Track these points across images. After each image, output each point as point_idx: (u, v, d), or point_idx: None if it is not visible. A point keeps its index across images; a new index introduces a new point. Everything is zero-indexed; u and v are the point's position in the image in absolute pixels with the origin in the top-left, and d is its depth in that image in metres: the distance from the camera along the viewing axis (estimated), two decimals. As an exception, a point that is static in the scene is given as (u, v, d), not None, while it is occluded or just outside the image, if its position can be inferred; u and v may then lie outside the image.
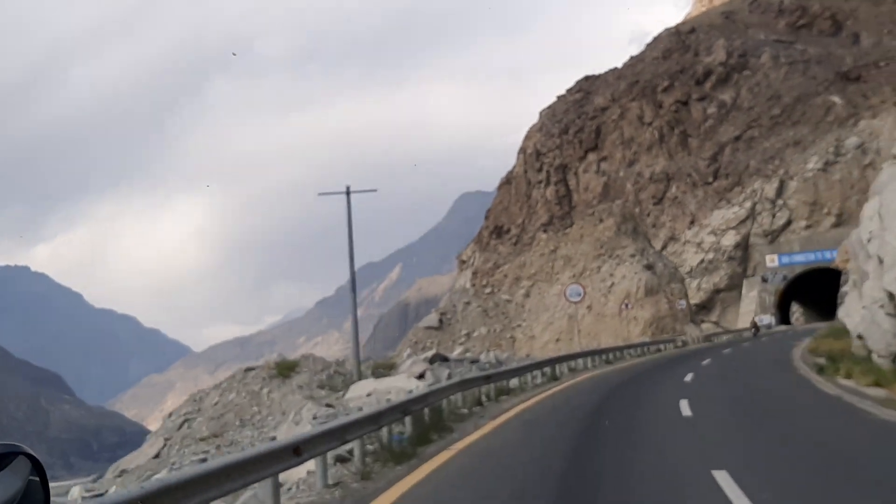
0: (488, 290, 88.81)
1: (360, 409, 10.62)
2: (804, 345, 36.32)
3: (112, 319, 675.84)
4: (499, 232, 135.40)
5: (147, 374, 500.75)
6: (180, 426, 24.91)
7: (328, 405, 18.20)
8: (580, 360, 28.16)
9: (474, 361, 28.13)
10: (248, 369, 27.79)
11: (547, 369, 24.54)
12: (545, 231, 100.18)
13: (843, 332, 30.43)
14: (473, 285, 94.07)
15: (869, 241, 20.99)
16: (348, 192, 25.48)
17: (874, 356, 20.02)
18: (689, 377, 21.74)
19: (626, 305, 40.32)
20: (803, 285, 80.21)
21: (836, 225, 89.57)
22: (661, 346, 39.80)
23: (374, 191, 27.50)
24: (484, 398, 18.25)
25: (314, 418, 14.72)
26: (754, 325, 60.18)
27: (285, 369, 26.37)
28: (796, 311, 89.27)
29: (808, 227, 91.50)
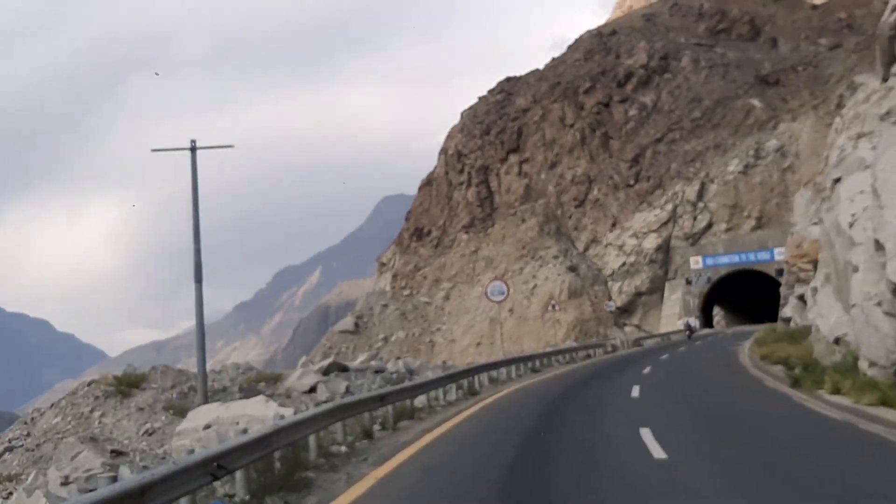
0: (407, 292, 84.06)
1: (116, 476, 5.73)
2: (746, 349, 32.55)
3: (24, 324, 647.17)
4: (419, 234, 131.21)
5: (61, 380, 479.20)
6: (0, 455, 19.30)
7: (116, 452, 12.83)
8: (503, 370, 23.45)
9: (379, 371, 23.17)
10: (91, 383, 22.05)
11: (464, 381, 19.78)
12: (466, 232, 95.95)
13: (797, 335, 26.49)
14: (392, 288, 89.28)
15: (852, 225, 16.85)
16: (193, 149, 20.31)
17: (864, 365, 15.91)
18: (635, 391, 17.36)
19: (553, 307, 35.82)
20: (724, 288, 77.64)
21: (756, 228, 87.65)
22: (591, 352, 35.52)
23: (231, 147, 22.29)
24: (377, 427, 13.38)
25: (64, 482, 9.58)
26: (688, 328, 57.08)
27: (127, 385, 20.69)
28: (717, 314, 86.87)
29: (728, 229, 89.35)
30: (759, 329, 54.99)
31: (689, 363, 26.05)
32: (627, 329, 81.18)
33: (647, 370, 23.41)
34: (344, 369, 22.63)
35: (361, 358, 28.68)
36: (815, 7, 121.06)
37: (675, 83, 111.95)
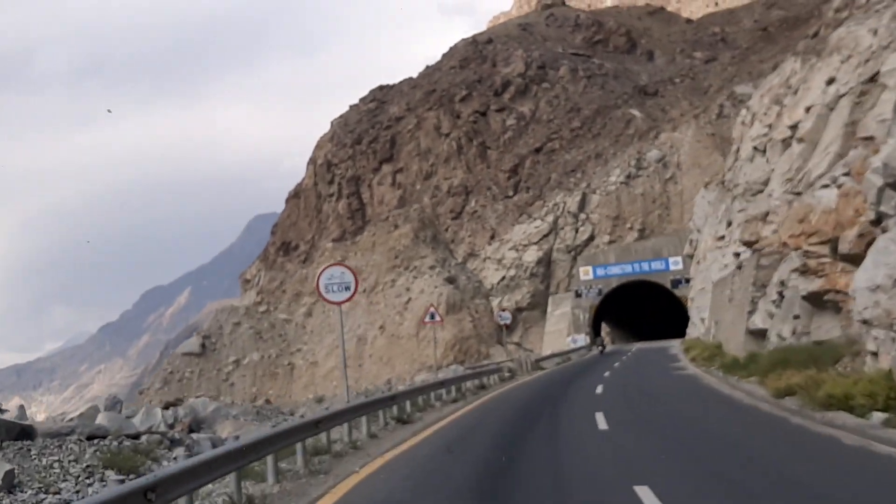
0: (263, 308, 71.40)
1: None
2: (700, 372, 22.56)
3: None
4: (286, 248, 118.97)
5: None
6: None
7: None
8: (345, 427, 12.05)
9: (96, 438, 10.75)
10: None
11: (251, 464, 8.29)
12: (332, 241, 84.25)
13: (820, 356, 16.14)
14: (248, 304, 76.49)
15: None
16: None
17: None
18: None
19: (433, 316, 24.40)
20: (613, 302, 68.75)
21: (639, 239, 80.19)
22: (485, 380, 24.58)
23: None
24: None
25: None
26: (601, 344, 48.49)
27: None
28: (602, 329, 78.06)
29: (611, 241, 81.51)
30: (669, 345, 45.79)
31: (661, 403, 15.62)
32: (510, 347, 71.57)
33: (603, 423, 12.76)
34: (24, 434, 10.80)
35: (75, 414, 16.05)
36: (689, 22, 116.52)
37: (553, 93, 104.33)
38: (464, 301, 61.17)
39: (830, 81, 35.64)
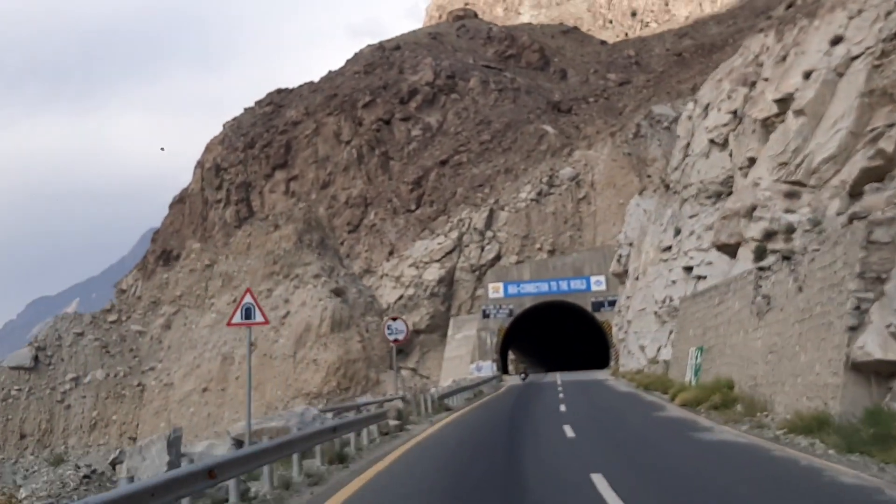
0: (113, 317, 57.86)
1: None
2: (748, 440, 11.96)
3: None
4: (167, 257, 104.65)
5: None
6: None
7: None
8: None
9: None
10: None
11: None
12: (199, 240, 71.44)
13: None
14: (94, 313, 62.68)
15: None
16: None
17: None
18: None
19: (248, 313, 12.05)
20: (523, 324, 58.55)
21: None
22: (352, 436, 13.08)
23: None
24: None
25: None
26: (524, 372, 39.47)
27: None
28: (508, 357, 67.62)
29: (518, 262, 71.95)
30: (599, 377, 35.90)
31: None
32: (404, 373, 60.39)
33: None
34: None
35: None
36: (603, 43, 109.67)
37: (462, 104, 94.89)
38: (353, 318, 49.81)
39: (837, 41, 26.24)
